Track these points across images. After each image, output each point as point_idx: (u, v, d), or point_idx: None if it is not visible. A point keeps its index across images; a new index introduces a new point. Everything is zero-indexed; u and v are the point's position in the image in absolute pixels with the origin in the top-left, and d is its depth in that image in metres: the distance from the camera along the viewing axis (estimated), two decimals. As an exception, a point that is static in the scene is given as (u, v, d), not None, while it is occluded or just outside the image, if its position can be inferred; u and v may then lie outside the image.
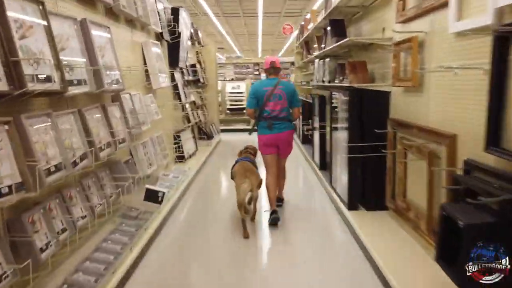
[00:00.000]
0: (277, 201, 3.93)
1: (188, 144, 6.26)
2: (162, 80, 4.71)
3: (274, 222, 3.57)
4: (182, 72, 6.49)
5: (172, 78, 5.82)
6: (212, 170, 6.31)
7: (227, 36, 23.30)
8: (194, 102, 7.30)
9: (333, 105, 4.18)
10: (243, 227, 3.35)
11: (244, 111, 10.80)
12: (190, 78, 6.93)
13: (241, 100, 10.80)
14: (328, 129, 4.78)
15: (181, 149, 5.82)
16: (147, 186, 3.70)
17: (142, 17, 4.16)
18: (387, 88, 3.41)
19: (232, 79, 15.70)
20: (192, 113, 7.10)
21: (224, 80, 12.56)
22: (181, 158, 5.79)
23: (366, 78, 3.53)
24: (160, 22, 4.95)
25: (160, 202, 3.66)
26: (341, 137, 3.85)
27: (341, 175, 3.87)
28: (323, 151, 5.17)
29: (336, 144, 4.05)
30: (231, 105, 10.82)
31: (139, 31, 4.35)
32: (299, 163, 6.60)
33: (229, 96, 10.79)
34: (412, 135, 2.89)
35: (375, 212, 3.51)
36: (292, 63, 16.43)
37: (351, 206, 3.61)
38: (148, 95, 4.28)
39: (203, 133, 8.12)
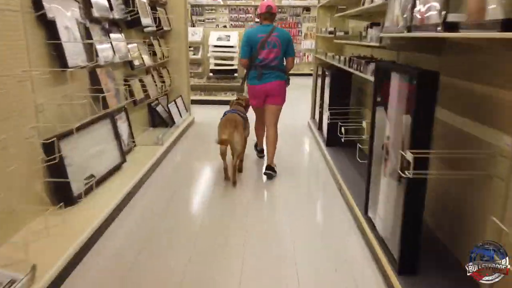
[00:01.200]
0: (268, 169, 3.57)
1: (93, 160, 2.95)
2: None
3: (266, 174, 3.56)
4: (85, 2, 3.04)
5: (41, 16, 2.41)
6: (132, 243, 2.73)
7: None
8: (130, 64, 3.90)
9: None
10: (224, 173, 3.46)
11: (236, 74, 7.36)
12: (116, 16, 3.47)
13: (231, 58, 7.26)
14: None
15: (65, 177, 2.54)
16: None
17: None
18: None
19: (225, 27, 12.02)
20: (127, 86, 3.73)
21: (210, 28, 9.06)
22: (65, 200, 2.51)
23: None
24: None
25: None
26: None
27: None
28: (412, 227, 1.87)
29: None
30: (216, 65, 7.32)
31: None
32: (321, 202, 3.35)
33: (214, 51, 7.25)
34: None
35: None
36: (306, 9, 12.61)
37: None
38: None
39: (157, 117, 4.78)
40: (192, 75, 7.32)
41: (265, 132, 3.70)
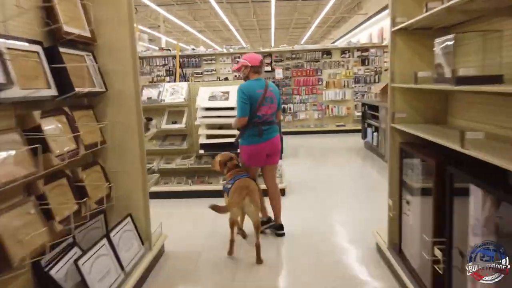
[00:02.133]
0: (279, 229, 3.51)
1: None
2: None
3: (280, 234, 3.49)
4: None
5: None
6: None
7: (234, 30, 18.19)
8: None
9: None
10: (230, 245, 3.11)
11: (239, 150, 4.74)
12: None
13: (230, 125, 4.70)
14: None
15: None
16: None
17: None
18: None
19: (226, 79, 9.68)
20: None
21: (200, 82, 6.73)
22: None
23: None
24: None
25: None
26: None
27: None
28: None
29: None
30: (209, 136, 4.74)
31: None
32: None
33: (205, 116, 4.72)
34: None
35: None
36: (326, 53, 10.24)
37: None
38: None
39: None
40: (157, 163, 4.74)
41: (268, 189, 3.58)
